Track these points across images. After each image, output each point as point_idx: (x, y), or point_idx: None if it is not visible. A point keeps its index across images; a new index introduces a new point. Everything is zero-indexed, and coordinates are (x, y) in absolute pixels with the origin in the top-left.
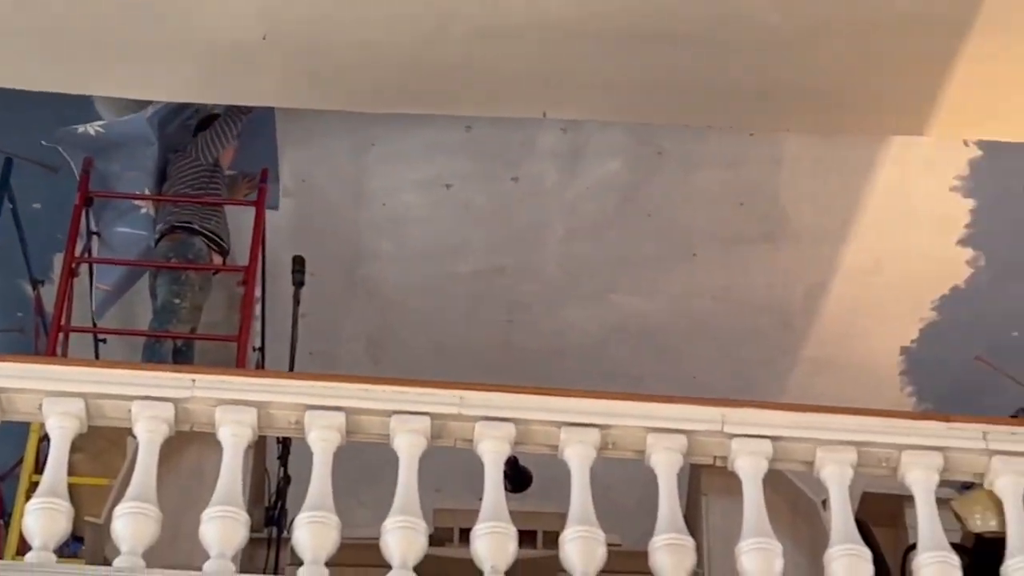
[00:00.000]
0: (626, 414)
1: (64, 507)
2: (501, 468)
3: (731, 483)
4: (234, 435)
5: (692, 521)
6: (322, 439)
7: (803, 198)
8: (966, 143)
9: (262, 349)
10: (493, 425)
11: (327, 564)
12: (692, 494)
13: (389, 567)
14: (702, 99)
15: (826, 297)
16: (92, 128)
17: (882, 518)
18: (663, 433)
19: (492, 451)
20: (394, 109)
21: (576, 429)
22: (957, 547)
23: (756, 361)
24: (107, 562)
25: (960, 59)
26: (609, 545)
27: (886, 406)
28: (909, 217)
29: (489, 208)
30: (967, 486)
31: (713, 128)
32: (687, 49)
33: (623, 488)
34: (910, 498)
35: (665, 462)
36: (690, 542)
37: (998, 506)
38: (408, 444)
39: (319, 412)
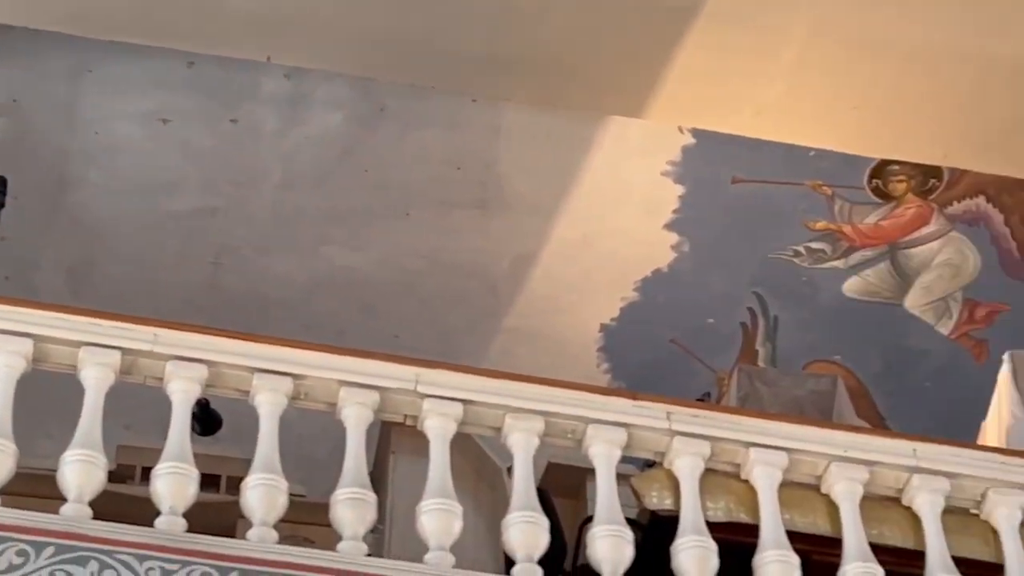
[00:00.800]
0: (320, 366)
1: None
2: (189, 409)
3: (420, 443)
4: None
5: (379, 478)
6: (6, 365)
7: (519, 168)
8: (681, 130)
9: None
10: (185, 365)
11: (1, 492)
12: (381, 451)
13: (65, 500)
14: (427, 60)
15: (533, 268)
16: None
17: (564, 489)
18: (356, 388)
19: (182, 391)
20: (114, 36)
21: (269, 376)
22: (632, 522)
23: (460, 326)
24: None
25: (682, 47)
26: (292, 495)
27: (581, 380)
28: (620, 197)
29: (206, 147)
30: (649, 464)
31: (436, 90)
32: (416, 8)
33: (316, 439)
34: (593, 471)
35: (355, 416)
36: (372, 497)
37: (675, 485)
38: (95, 377)
39: (5, 337)
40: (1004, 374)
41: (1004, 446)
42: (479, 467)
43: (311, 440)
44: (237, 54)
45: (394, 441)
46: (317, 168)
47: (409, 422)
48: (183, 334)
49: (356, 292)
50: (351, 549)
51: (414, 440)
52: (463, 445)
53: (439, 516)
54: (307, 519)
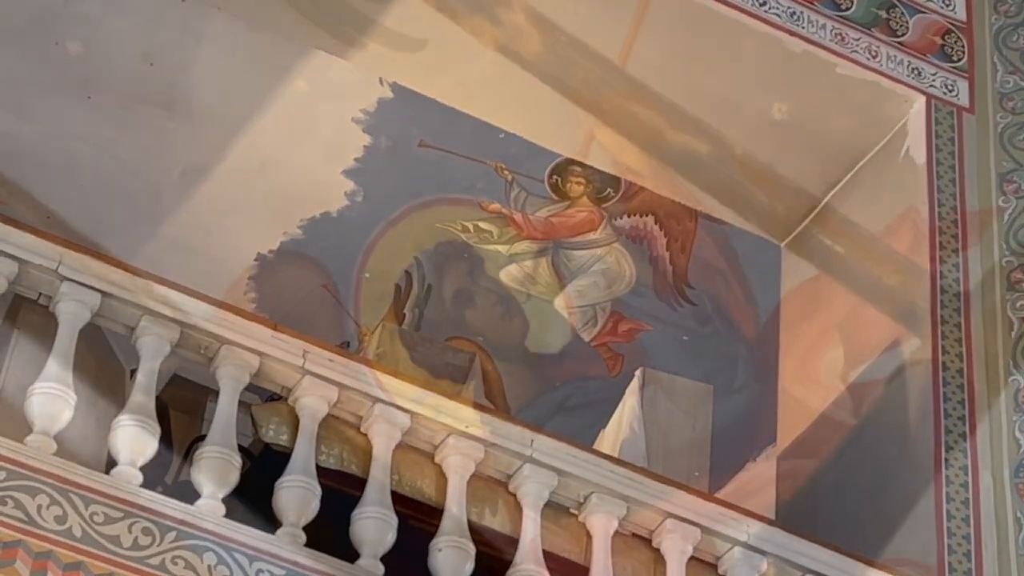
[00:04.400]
0: None
1: None
2: None
3: (49, 324)
4: None
5: None
6: None
7: (213, 79)
8: (382, 81)
9: None
10: None
11: None
12: (6, 325)
13: None
14: None
15: (203, 182)
16: None
17: (183, 404)
18: None
19: None
20: None
21: None
22: (244, 450)
23: (115, 222)
24: None
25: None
26: None
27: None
28: (306, 133)
29: None
30: (273, 397)
31: None
32: None
33: None
34: (216, 392)
35: None
36: None
37: (295, 423)
38: None
39: None
40: (633, 389)
41: (617, 456)
42: (103, 363)
43: None
44: None
45: (21, 317)
46: (2, 25)
47: (43, 301)
48: None
49: (15, 163)
50: None
51: (43, 320)
52: (92, 337)
53: (51, 401)
54: None
